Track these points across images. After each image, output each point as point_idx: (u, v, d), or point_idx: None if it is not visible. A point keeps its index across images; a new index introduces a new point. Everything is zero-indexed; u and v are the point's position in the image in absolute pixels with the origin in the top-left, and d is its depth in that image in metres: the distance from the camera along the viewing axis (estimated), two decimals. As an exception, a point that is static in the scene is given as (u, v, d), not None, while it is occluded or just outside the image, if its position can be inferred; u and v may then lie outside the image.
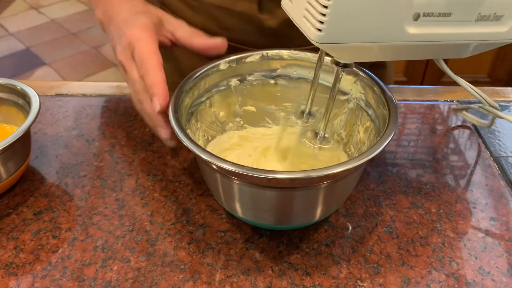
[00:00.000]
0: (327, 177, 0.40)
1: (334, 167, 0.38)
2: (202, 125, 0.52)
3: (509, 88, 0.72)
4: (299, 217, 0.45)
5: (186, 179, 0.53)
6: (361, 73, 0.49)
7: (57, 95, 0.66)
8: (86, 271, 0.44)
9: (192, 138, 0.42)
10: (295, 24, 0.39)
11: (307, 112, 0.50)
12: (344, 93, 0.51)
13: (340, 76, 0.43)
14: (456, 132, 0.62)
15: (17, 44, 2.39)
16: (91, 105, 0.64)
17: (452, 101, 0.68)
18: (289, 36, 0.63)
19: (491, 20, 0.39)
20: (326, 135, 0.47)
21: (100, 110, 0.64)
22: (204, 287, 0.43)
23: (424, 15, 0.36)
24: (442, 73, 1.76)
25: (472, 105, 0.61)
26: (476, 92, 0.52)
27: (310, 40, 0.36)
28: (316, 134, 0.47)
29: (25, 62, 2.27)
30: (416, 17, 0.36)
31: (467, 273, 0.45)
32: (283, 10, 0.60)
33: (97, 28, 2.48)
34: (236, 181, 0.41)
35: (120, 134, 0.60)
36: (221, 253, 0.46)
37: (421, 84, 1.77)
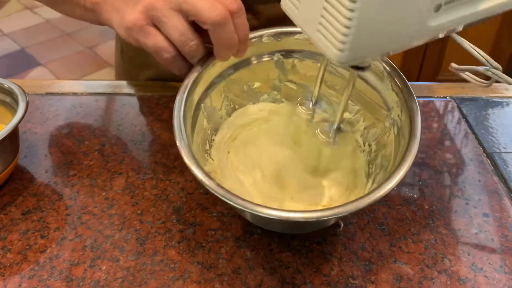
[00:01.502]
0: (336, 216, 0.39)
1: (343, 207, 0.37)
2: (230, 94, 0.52)
3: (502, 84, 0.71)
4: (312, 228, 0.46)
5: (177, 177, 0.53)
6: (402, 96, 0.46)
7: (48, 94, 0.65)
8: (74, 271, 0.43)
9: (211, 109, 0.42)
10: (306, 35, 0.34)
11: (313, 102, 0.49)
12: (386, 108, 0.48)
13: (355, 78, 0.40)
14: (449, 128, 0.62)
15: (12, 45, 2.37)
16: (82, 104, 0.64)
17: (445, 97, 0.67)
18: None
19: None
20: (341, 126, 0.45)
21: (90, 109, 0.63)
22: (194, 286, 0.42)
23: (446, 3, 0.33)
24: (438, 70, 1.76)
25: (477, 67, 0.59)
26: (480, 54, 0.50)
27: (330, 60, 0.33)
28: (329, 127, 0.46)
29: (20, 62, 2.26)
30: (438, 8, 0.33)
31: (459, 269, 0.44)
32: (265, 9, 0.59)
33: (92, 28, 2.48)
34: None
35: (110, 132, 0.59)
36: (212, 251, 0.45)
37: (417, 81, 1.77)
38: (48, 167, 0.54)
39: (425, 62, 1.72)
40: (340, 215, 0.38)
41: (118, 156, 0.56)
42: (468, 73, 0.58)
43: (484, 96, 0.68)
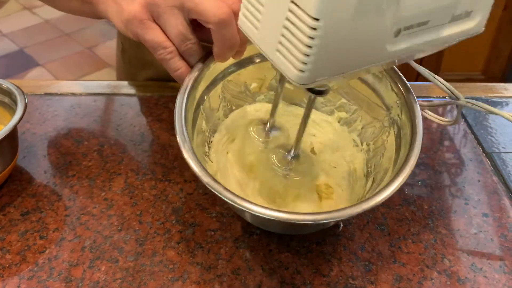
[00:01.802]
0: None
1: (346, 210, 0.37)
2: (227, 95, 0.51)
3: (501, 84, 0.71)
4: (312, 229, 0.46)
5: (176, 177, 0.53)
6: (402, 96, 0.46)
7: (46, 94, 0.65)
8: (73, 272, 0.43)
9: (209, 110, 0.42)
10: (265, 55, 0.33)
11: (268, 128, 0.49)
12: (385, 108, 0.48)
13: (312, 102, 0.40)
14: (448, 128, 0.62)
15: (11, 45, 2.37)
16: (81, 104, 0.64)
17: (444, 97, 0.67)
18: None
19: (462, 18, 0.38)
20: (299, 152, 0.45)
21: (89, 109, 0.63)
22: (193, 287, 0.42)
23: (405, 29, 0.34)
24: (437, 70, 1.76)
25: (445, 100, 0.59)
26: (442, 83, 0.51)
27: (290, 80, 0.32)
28: (285, 154, 0.45)
29: (19, 63, 2.26)
30: (397, 33, 0.33)
31: (459, 270, 0.44)
32: None
33: (91, 28, 2.48)
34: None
35: (109, 133, 0.59)
36: (211, 252, 0.45)
37: (416, 81, 1.77)
38: (47, 167, 0.54)
39: (424, 62, 1.73)
40: (342, 218, 0.38)
41: (117, 156, 0.56)
42: (427, 111, 0.58)
43: (483, 96, 0.68)
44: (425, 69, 0.49)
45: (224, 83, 0.51)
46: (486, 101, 0.67)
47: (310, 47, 0.28)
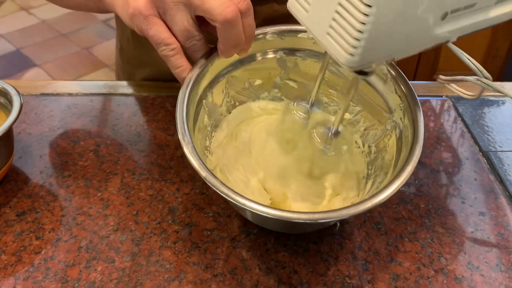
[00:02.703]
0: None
1: (341, 211, 0.37)
2: (231, 91, 0.52)
3: (498, 83, 0.71)
4: (310, 228, 0.46)
5: (172, 177, 0.53)
6: (406, 99, 0.46)
7: (42, 94, 0.65)
8: (69, 272, 0.43)
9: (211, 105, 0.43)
10: (317, 41, 0.34)
11: (310, 105, 0.48)
12: (388, 110, 0.48)
13: (358, 82, 0.40)
14: (446, 127, 0.62)
15: (7, 46, 2.36)
16: (77, 105, 0.63)
17: (442, 96, 0.67)
18: None
19: None
20: (339, 129, 0.45)
21: (85, 109, 0.63)
22: (190, 287, 0.42)
23: (452, 12, 0.34)
24: (434, 69, 1.76)
25: (466, 77, 0.59)
26: (472, 62, 0.50)
27: (340, 63, 0.33)
28: (327, 129, 0.45)
29: (16, 63, 2.25)
30: (444, 16, 0.34)
31: (456, 268, 0.44)
32: (263, 8, 0.57)
33: (88, 29, 2.47)
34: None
35: (106, 133, 0.59)
36: (208, 252, 0.45)
37: (413, 80, 1.77)
38: (43, 168, 0.54)
39: (422, 61, 1.72)
40: (342, 218, 0.38)
41: (113, 156, 0.55)
42: (453, 85, 0.58)
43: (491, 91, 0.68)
44: (454, 46, 0.49)
45: (229, 78, 0.51)
46: (482, 99, 0.67)
47: (361, 32, 0.29)
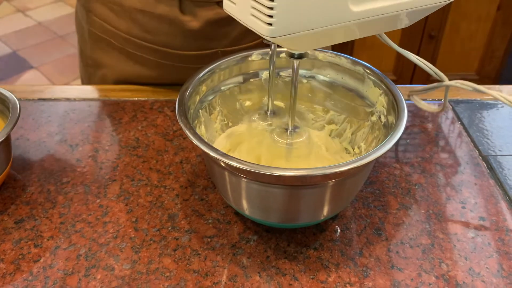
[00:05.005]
0: (327, 176, 0.40)
1: (337, 166, 0.39)
2: (224, 109, 0.53)
3: (496, 86, 0.72)
4: (307, 216, 0.45)
5: (172, 183, 0.52)
6: (384, 86, 0.48)
7: (40, 99, 0.65)
8: (68, 281, 0.43)
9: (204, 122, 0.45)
10: (244, 24, 0.39)
11: (270, 112, 0.50)
12: (370, 105, 0.50)
13: (296, 67, 0.43)
14: (445, 131, 0.62)
15: (4, 48, 2.36)
16: (75, 110, 0.63)
17: (440, 99, 0.67)
18: (212, 38, 0.64)
19: None
20: (296, 129, 0.48)
21: (83, 114, 0.62)
22: (190, 295, 0.42)
23: None
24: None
25: (431, 85, 0.60)
26: (424, 63, 0.53)
27: (263, 36, 0.37)
28: (285, 130, 0.47)
29: (12, 65, 2.25)
30: None
31: (457, 274, 0.44)
32: (205, 11, 0.60)
33: (84, 30, 2.46)
34: (243, 179, 0.42)
35: (104, 138, 0.58)
36: (208, 259, 0.45)
37: (410, 83, 1.77)
38: (41, 174, 0.53)
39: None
40: (329, 173, 0.39)
41: (112, 162, 0.55)
42: (415, 97, 0.60)
43: (478, 99, 0.68)
44: (409, 52, 0.52)
45: (222, 95, 0.52)
46: (481, 103, 0.67)
47: (272, 0, 0.34)
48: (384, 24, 0.41)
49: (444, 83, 0.56)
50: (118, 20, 0.64)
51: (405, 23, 0.43)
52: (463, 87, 0.53)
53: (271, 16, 0.35)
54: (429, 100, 0.67)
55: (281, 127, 0.49)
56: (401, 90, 0.48)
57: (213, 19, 0.62)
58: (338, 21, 0.38)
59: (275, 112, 0.51)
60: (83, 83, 0.77)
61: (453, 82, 0.54)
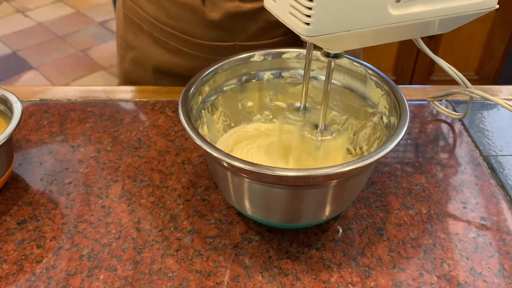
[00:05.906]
0: (330, 177, 0.40)
1: (337, 167, 0.39)
2: (226, 110, 0.53)
3: (496, 87, 0.72)
4: (309, 216, 0.45)
5: (174, 184, 0.53)
6: (387, 86, 0.49)
7: (41, 100, 0.65)
8: (71, 281, 0.43)
9: (207, 122, 0.46)
10: (283, 22, 0.39)
11: (302, 107, 0.50)
12: (372, 106, 0.51)
13: (332, 67, 0.44)
14: (445, 131, 0.62)
15: (4, 48, 2.36)
16: (76, 110, 0.63)
17: (441, 100, 0.67)
18: (231, 30, 0.65)
19: None
20: (326, 126, 0.47)
21: (85, 115, 0.62)
22: (192, 295, 0.42)
23: None
24: (431, 72, 1.77)
25: (452, 90, 0.60)
26: (454, 72, 0.53)
27: (300, 35, 0.37)
28: (316, 127, 0.47)
29: (12, 66, 2.25)
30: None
31: (458, 274, 0.44)
32: (225, 2, 0.61)
33: (84, 31, 2.46)
34: (246, 179, 0.42)
35: (106, 139, 0.58)
36: (210, 259, 0.45)
37: (410, 83, 1.77)
38: (43, 175, 0.53)
39: (418, 63, 1.73)
40: (346, 169, 0.39)
41: (113, 163, 0.55)
42: (437, 103, 0.60)
43: (479, 99, 0.68)
44: (440, 58, 0.52)
45: (224, 95, 0.52)
46: (481, 103, 0.67)
47: (311, 1, 0.34)
48: (419, 29, 0.41)
49: (467, 91, 0.55)
50: (147, 5, 0.67)
51: (441, 29, 0.42)
52: (486, 99, 0.53)
53: (309, 16, 0.35)
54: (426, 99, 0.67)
55: (312, 123, 0.49)
56: (414, 92, 0.48)
57: (233, 12, 0.63)
58: (376, 24, 0.38)
59: (307, 108, 0.51)
60: (118, 66, 0.81)
61: (475, 91, 0.54)
